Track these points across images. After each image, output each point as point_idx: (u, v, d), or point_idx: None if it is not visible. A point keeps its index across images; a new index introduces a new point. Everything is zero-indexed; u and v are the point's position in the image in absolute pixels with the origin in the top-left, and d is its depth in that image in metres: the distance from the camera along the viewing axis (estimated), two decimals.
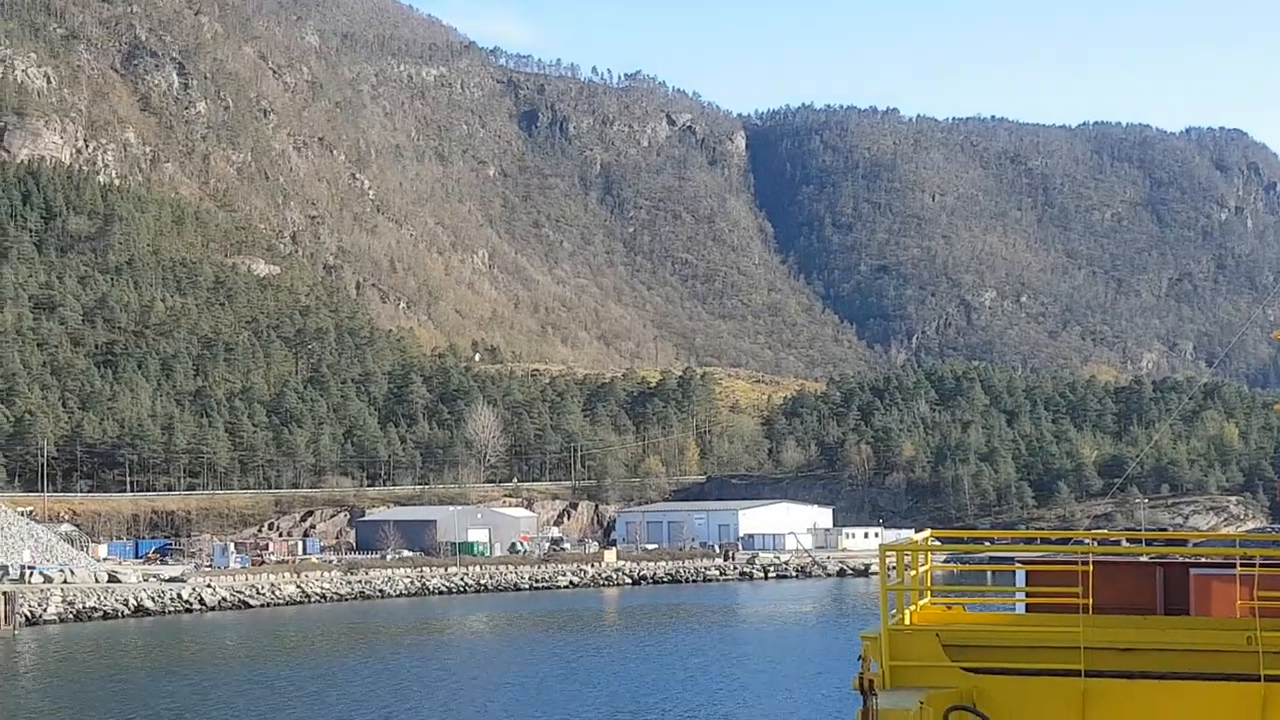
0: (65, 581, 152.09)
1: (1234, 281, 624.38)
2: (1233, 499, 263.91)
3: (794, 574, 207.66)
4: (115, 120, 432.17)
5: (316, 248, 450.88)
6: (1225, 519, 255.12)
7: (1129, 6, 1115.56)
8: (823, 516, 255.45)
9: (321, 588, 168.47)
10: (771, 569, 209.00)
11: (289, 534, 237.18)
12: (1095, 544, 21.34)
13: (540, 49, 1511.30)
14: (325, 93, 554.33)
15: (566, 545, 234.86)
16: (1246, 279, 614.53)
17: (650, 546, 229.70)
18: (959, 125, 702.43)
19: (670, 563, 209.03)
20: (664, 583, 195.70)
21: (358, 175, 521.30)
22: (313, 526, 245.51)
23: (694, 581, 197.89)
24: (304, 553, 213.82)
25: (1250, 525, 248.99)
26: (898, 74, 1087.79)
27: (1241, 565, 19.11)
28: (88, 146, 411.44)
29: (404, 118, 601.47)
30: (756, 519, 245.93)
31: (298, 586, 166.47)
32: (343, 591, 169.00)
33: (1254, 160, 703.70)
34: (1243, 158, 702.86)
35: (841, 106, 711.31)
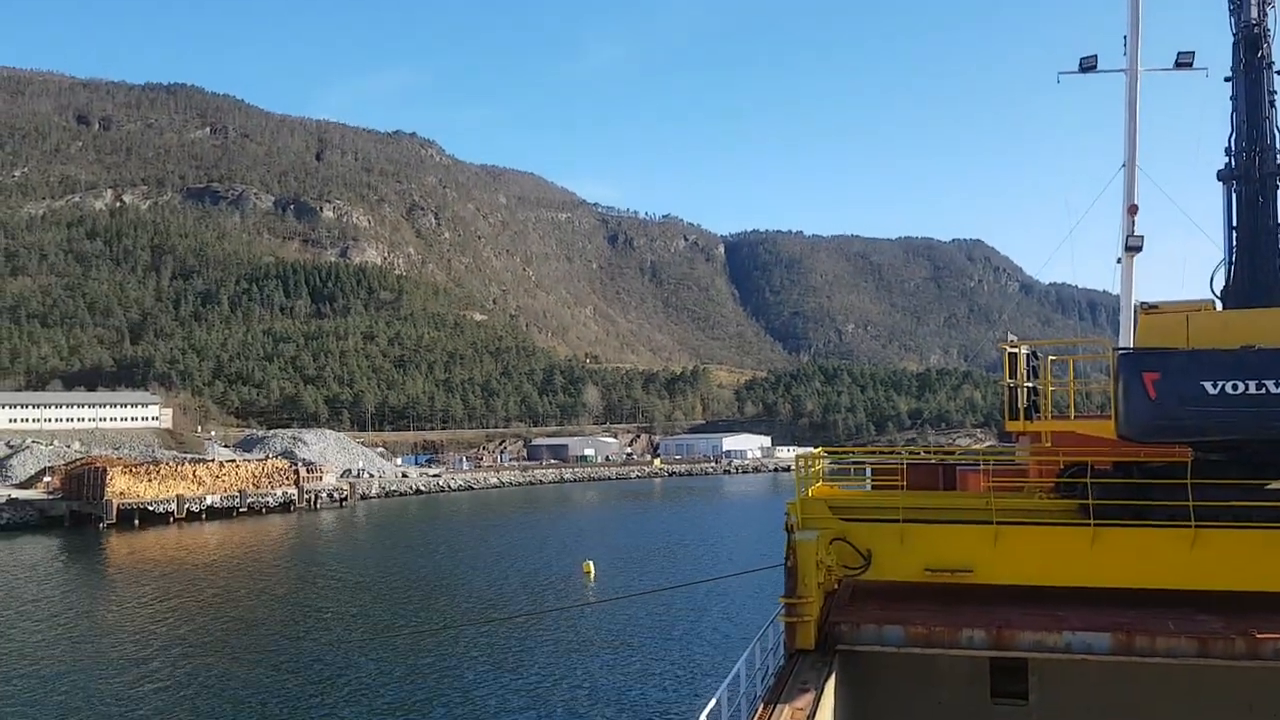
0: (380, 476, 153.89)
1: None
2: (979, 431, 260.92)
3: (752, 471, 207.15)
4: (402, 242, 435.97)
5: (505, 305, 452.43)
6: (975, 441, 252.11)
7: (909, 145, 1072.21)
8: (766, 441, 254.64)
9: (510, 479, 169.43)
10: (740, 469, 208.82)
11: (493, 451, 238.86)
12: (907, 454, 21.13)
13: (619, 200, 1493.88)
14: (509, 226, 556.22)
15: (634, 456, 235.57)
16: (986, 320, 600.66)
17: (678, 457, 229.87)
18: (836, 238, 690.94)
19: (688, 465, 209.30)
20: (685, 476, 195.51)
21: (526, 269, 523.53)
22: (505, 447, 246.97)
23: (700, 475, 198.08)
24: (500, 461, 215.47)
25: (988, 444, 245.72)
26: (803, 207, 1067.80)
27: (983, 465, 19.05)
28: (389, 255, 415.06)
29: (549, 239, 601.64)
30: (733, 442, 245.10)
31: (498, 479, 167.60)
32: (519, 481, 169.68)
33: (998, 265, 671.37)
34: (986, 261, 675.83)
35: (773, 229, 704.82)
